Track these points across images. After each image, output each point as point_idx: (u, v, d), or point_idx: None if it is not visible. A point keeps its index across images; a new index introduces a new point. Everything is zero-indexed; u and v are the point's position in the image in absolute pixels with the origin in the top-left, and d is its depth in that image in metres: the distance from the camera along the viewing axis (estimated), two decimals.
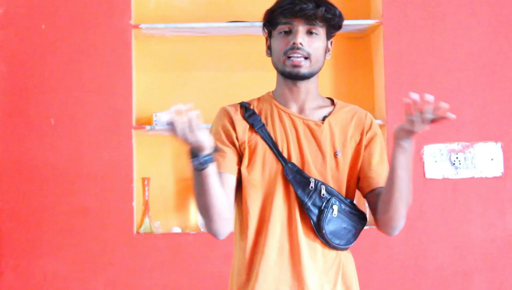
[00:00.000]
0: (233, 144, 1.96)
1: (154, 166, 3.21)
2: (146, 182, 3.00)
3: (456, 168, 2.99)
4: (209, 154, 1.76)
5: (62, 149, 2.96)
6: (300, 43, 1.87)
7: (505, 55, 3.08)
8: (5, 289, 2.99)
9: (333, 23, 1.92)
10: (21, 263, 2.92)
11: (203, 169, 1.77)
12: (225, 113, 2.00)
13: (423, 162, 3.04)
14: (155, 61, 3.22)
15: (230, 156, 1.96)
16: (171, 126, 1.71)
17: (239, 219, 2.02)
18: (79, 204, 2.91)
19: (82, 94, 2.96)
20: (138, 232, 2.95)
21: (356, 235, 1.96)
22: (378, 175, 1.97)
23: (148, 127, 2.96)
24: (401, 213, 1.92)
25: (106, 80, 2.96)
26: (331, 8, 1.91)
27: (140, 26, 2.96)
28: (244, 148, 1.95)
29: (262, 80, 3.16)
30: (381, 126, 3.13)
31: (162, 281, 2.98)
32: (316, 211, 1.90)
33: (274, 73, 3.05)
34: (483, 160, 3.00)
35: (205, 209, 1.88)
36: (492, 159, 2.98)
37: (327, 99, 2.07)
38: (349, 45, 3.37)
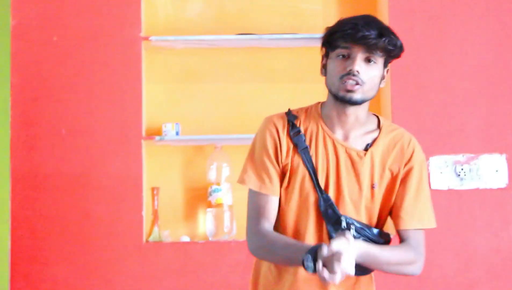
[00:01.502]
0: (278, 163, 1.98)
1: (163, 176, 3.21)
2: (155, 192, 3.01)
3: (461, 179, 2.98)
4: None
5: (73, 159, 2.97)
6: (357, 71, 1.87)
7: (510, 69, 3.06)
8: None
9: (393, 54, 1.92)
10: (32, 270, 2.93)
11: (307, 269, 1.81)
12: (274, 127, 2.00)
13: (429, 173, 2.95)
14: (165, 73, 3.22)
15: (276, 178, 1.98)
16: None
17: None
18: (89, 213, 2.93)
19: (93, 105, 2.98)
20: (147, 241, 2.97)
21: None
22: (408, 216, 1.97)
23: (157, 137, 2.98)
24: (404, 273, 1.99)
25: (116, 91, 2.98)
26: (393, 38, 1.90)
27: (150, 38, 2.98)
28: (287, 170, 1.98)
29: (269, 91, 3.21)
30: None
31: (167, 286, 2.97)
32: None
33: (283, 85, 3.16)
34: (487, 171, 2.97)
35: (268, 261, 1.99)
36: (496, 171, 2.96)
37: (374, 118, 2.05)
38: None
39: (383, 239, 1.99)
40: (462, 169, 2.99)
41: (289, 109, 2.05)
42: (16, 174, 2.96)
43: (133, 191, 2.93)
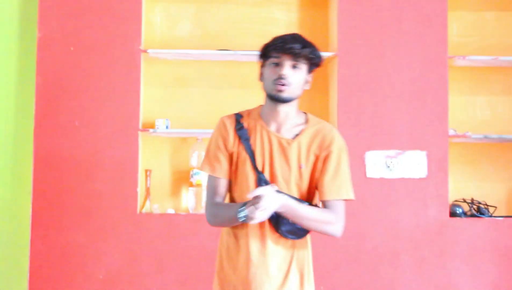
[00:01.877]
0: (227, 151, 2.14)
1: (155, 161, 3.33)
2: (148, 173, 3.17)
3: (391, 170, 3.19)
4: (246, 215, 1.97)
5: (84, 146, 3.10)
6: (285, 74, 2.03)
7: (431, 84, 3.25)
8: (35, 255, 3.10)
9: (314, 62, 2.08)
10: (48, 234, 3.09)
11: (244, 221, 1.99)
12: (223, 125, 2.17)
13: (365, 165, 3.21)
14: (159, 79, 3.36)
15: (225, 164, 2.16)
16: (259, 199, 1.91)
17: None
18: (95, 189, 3.09)
19: (100, 103, 3.13)
20: (140, 212, 3.13)
21: (308, 231, 2.14)
22: (328, 189, 2.13)
23: (151, 130, 3.12)
24: (322, 230, 2.11)
25: (119, 92, 3.13)
26: (314, 50, 2.07)
27: (148, 51, 3.12)
28: (234, 157, 2.14)
29: (242, 96, 3.34)
30: None
31: (159, 252, 3.12)
32: (275, 215, 2.04)
33: (252, 91, 3.22)
34: (411, 164, 3.17)
35: (219, 226, 2.15)
36: (418, 164, 3.18)
37: (303, 115, 2.20)
38: None
39: None
40: (391, 162, 3.18)
41: (238, 112, 2.21)
42: (39, 157, 3.11)
43: (130, 172, 3.11)
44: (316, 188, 2.13)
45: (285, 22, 3.42)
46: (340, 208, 2.10)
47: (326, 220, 2.06)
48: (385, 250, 3.18)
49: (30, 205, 3.09)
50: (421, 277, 3.20)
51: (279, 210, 1.99)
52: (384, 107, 3.22)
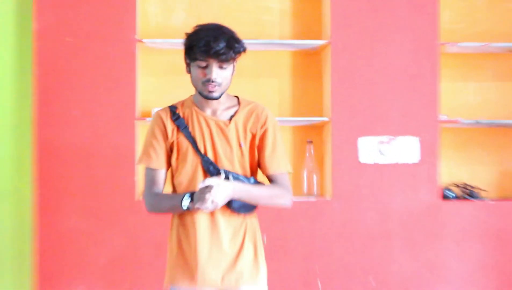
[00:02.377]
0: (164, 142, 2.21)
1: None
2: None
3: (384, 155, 3.31)
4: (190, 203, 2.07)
5: (83, 134, 3.19)
6: (214, 79, 2.10)
7: (423, 70, 3.34)
8: (37, 241, 3.19)
9: (238, 54, 2.14)
10: (53, 220, 3.20)
11: (187, 209, 2.09)
12: (159, 117, 2.24)
13: (358, 150, 3.30)
14: (155, 68, 3.44)
15: (162, 154, 2.23)
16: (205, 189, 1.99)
17: None
18: (94, 177, 3.19)
19: (98, 93, 3.21)
20: (138, 200, 3.22)
21: (256, 205, 2.24)
22: (269, 164, 2.25)
23: (148, 119, 3.19)
24: (276, 204, 2.23)
25: (116, 82, 3.22)
26: (237, 47, 2.12)
27: (143, 41, 3.20)
28: (173, 145, 2.21)
29: (234, 84, 3.20)
30: (326, 123, 3.39)
31: (157, 237, 3.20)
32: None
33: (244, 79, 3.32)
34: (404, 150, 3.29)
35: (160, 213, 2.28)
36: (410, 149, 3.28)
37: (234, 98, 2.28)
38: (304, 60, 3.59)
39: (258, 183, 2.24)
40: (384, 148, 3.29)
41: (172, 104, 2.27)
42: (41, 144, 3.20)
43: (128, 160, 3.20)
44: (258, 164, 2.24)
45: (279, 11, 3.51)
46: (285, 180, 2.23)
47: (277, 194, 2.20)
48: (378, 233, 3.31)
49: (32, 193, 3.21)
50: (413, 259, 3.31)
51: (233, 197, 2.09)
52: (376, 94, 3.32)
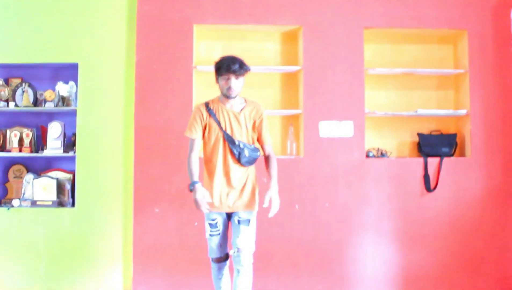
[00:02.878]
0: (201, 123, 3.02)
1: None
2: None
3: (333, 132, 4.34)
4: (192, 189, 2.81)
5: (164, 121, 4.25)
6: (233, 86, 2.95)
7: (356, 83, 4.28)
8: (136, 180, 4.30)
9: (246, 72, 3.02)
10: (146, 169, 4.29)
11: (191, 190, 2.88)
12: (198, 108, 3.04)
13: (319, 129, 4.34)
14: (202, 82, 4.48)
15: (199, 130, 3.01)
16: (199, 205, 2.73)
17: (204, 156, 3.13)
18: (172, 144, 4.27)
19: (171, 95, 4.31)
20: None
21: (256, 160, 3.09)
22: (264, 139, 3.10)
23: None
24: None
25: (182, 90, 4.31)
26: (246, 67, 3.00)
27: (196, 67, 4.30)
28: (206, 125, 3.02)
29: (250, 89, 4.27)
30: (300, 114, 4.35)
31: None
32: (237, 153, 2.93)
33: (249, 88, 4.20)
34: (344, 129, 4.35)
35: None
36: (348, 129, 4.36)
37: (242, 98, 3.02)
38: (287, 78, 4.64)
39: (256, 149, 3.06)
40: (333, 128, 4.31)
41: (206, 101, 2.94)
42: (137, 125, 4.31)
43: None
44: (257, 139, 3.16)
45: (273, 49, 4.64)
46: (271, 147, 3.20)
47: (275, 164, 3.20)
48: (331, 176, 4.45)
49: (134, 153, 4.46)
50: (350, 192, 4.46)
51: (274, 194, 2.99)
52: (329, 98, 4.49)
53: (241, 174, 3.13)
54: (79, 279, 4.59)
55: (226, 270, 3.30)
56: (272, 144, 3.27)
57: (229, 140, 3.06)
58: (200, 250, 4.38)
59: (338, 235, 4.56)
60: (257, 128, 3.13)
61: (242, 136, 3.11)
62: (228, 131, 3.07)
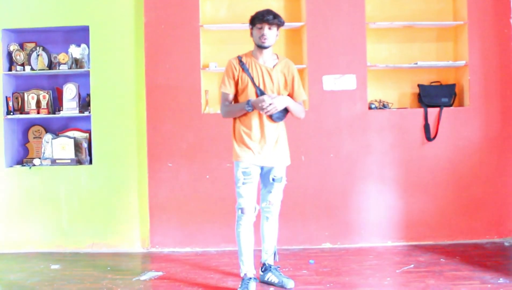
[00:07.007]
0: (234, 78, 3.11)
1: (209, 86, 4.78)
2: (206, 92, 4.68)
3: (337, 85, 4.56)
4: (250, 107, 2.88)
5: (173, 78, 4.50)
6: (265, 34, 3.03)
7: (357, 37, 4.43)
8: (149, 136, 4.54)
9: (279, 24, 3.10)
10: (158, 125, 4.52)
11: (249, 110, 2.95)
12: (232, 63, 3.13)
13: (323, 83, 4.50)
14: (209, 41, 4.70)
15: (233, 84, 3.11)
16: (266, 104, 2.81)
17: None
18: (181, 102, 4.53)
19: (180, 55, 4.48)
20: (203, 113, 4.53)
21: (285, 116, 3.13)
22: (297, 94, 3.20)
23: (206, 69, 4.50)
24: (300, 116, 3.17)
25: (190, 49, 4.51)
26: (280, 18, 3.09)
27: (203, 26, 4.55)
28: (239, 79, 3.11)
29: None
30: (305, 68, 4.52)
31: (213, 133, 4.45)
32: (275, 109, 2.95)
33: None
34: (347, 82, 4.54)
35: (230, 117, 3.07)
36: (351, 82, 4.54)
37: (275, 55, 3.15)
38: (291, 34, 4.84)
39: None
40: (337, 81, 4.53)
41: (239, 55, 3.03)
42: (148, 84, 4.56)
43: (196, 91, 4.56)
44: (289, 94, 3.23)
45: (276, 5, 4.82)
46: (303, 104, 3.29)
47: (302, 109, 3.28)
48: (334, 126, 4.64)
49: (145, 118, 4.73)
50: (354, 143, 4.64)
51: (286, 104, 3.04)
52: (333, 52, 4.66)
53: (273, 130, 3.23)
54: (99, 232, 4.83)
55: (251, 224, 3.34)
56: (306, 99, 3.38)
57: (261, 95, 3.15)
58: (213, 201, 4.67)
59: (343, 184, 4.74)
60: (289, 84, 3.21)
61: (274, 91, 3.20)
62: (261, 86, 3.16)
